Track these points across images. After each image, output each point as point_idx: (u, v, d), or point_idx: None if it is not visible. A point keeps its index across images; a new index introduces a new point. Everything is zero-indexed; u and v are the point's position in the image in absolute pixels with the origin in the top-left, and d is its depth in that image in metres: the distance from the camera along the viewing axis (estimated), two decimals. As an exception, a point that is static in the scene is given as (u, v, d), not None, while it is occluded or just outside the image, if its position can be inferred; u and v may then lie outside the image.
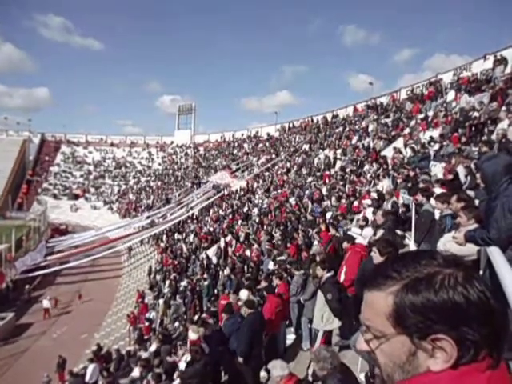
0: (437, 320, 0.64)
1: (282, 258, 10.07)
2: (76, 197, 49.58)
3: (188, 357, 6.73)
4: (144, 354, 10.98)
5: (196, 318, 11.24)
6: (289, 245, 11.37)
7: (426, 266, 0.68)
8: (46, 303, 19.96)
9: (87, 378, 10.70)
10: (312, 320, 6.01)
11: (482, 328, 0.63)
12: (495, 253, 2.43)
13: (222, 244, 17.19)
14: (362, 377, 4.20)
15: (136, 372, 9.32)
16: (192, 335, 7.44)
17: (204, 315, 9.49)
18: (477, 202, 4.65)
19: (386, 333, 0.68)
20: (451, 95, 17.21)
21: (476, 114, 12.68)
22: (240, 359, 5.60)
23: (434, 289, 0.65)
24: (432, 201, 5.73)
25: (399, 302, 0.66)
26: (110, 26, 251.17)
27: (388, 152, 15.84)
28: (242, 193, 26.66)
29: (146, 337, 13.90)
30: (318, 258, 6.72)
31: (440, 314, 0.64)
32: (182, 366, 7.27)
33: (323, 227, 9.91)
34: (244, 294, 7.40)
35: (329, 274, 5.64)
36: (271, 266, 10.34)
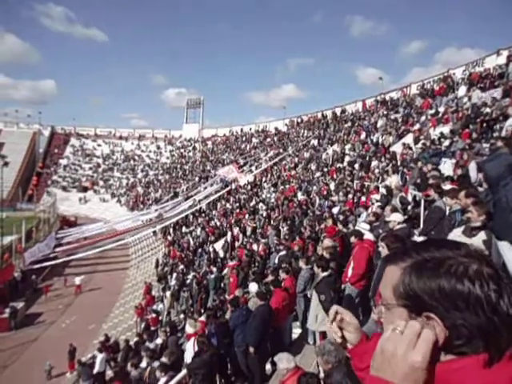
0: (431, 301, 0.66)
1: (283, 253, 10.06)
2: (85, 189, 50.03)
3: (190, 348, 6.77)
4: (150, 345, 11.09)
5: (203, 310, 11.32)
6: (297, 238, 11.34)
7: (443, 252, 0.70)
8: (77, 280, 22.05)
9: (96, 368, 10.88)
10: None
11: (477, 319, 0.63)
12: (505, 248, 2.41)
13: (229, 238, 17.26)
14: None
15: (143, 362, 9.42)
16: (189, 329, 7.51)
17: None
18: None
19: (390, 303, 0.73)
20: (462, 90, 16.95)
21: (488, 109, 12.48)
22: (251, 349, 5.64)
23: (439, 273, 0.67)
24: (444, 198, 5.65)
25: (403, 278, 0.70)
26: (112, 16, 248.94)
27: (397, 148, 15.68)
28: (250, 187, 26.68)
29: (152, 328, 14.03)
30: (325, 253, 6.67)
31: (436, 298, 0.66)
32: (187, 357, 7.34)
33: (330, 222, 9.86)
34: (254, 286, 7.44)
35: (325, 274, 5.58)
36: (278, 260, 10.34)
